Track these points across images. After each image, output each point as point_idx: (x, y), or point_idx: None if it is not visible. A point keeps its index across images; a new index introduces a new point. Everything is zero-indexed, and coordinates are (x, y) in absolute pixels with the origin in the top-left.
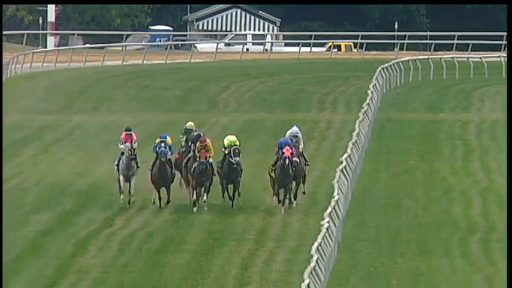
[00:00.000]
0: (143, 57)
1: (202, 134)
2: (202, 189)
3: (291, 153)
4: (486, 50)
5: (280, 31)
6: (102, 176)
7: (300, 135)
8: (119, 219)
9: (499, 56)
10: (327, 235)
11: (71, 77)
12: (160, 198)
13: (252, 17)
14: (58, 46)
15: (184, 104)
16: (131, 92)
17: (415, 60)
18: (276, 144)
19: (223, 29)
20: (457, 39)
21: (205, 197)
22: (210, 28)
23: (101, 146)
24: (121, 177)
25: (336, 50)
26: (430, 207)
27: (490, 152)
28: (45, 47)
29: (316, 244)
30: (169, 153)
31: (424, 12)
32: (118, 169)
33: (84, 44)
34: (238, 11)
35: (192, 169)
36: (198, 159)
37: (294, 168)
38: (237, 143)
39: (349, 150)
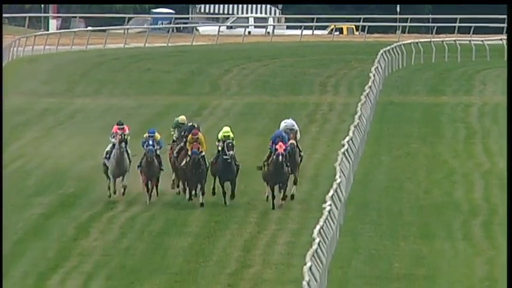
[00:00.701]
0: (145, 40)
1: (195, 126)
2: (197, 189)
3: (284, 149)
4: (488, 32)
5: (282, 14)
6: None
7: (296, 128)
8: (120, 202)
9: (500, 39)
10: (329, 218)
11: (73, 60)
12: (148, 190)
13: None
14: (60, 29)
15: (186, 87)
16: (133, 75)
17: (417, 43)
18: (271, 137)
19: (225, 12)
20: (459, 22)
21: (201, 199)
22: (212, 11)
23: (103, 129)
24: (111, 178)
25: (337, 33)
26: (432, 190)
27: (492, 135)
28: (47, 30)
29: (318, 227)
30: (157, 148)
31: None
32: (107, 162)
33: (86, 27)
34: None
35: (184, 164)
36: (189, 152)
37: (288, 164)
38: (231, 135)
39: (351, 133)
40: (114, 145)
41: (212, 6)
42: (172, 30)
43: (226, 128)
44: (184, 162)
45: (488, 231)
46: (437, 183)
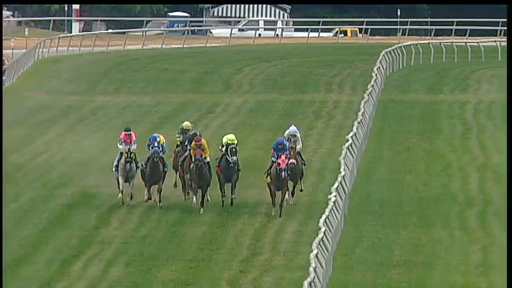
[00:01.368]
0: (162, 41)
1: (198, 133)
2: (201, 193)
3: (286, 164)
4: (483, 35)
5: (290, 17)
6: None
7: (299, 135)
8: (139, 194)
9: (495, 41)
10: (334, 208)
11: (95, 61)
12: (150, 198)
13: (264, 4)
14: (82, 31)
15: (201, 86)
16: (151, 74)
17: (416, 44)
18: (273, 145)
19: (237, 15)
20: (456, 25)
21: (205, 201)
22: (224, 14)
23: (123, 125)
24: (120, 179)
25: (342, 35)
26: (431, 182)
27: (487, 130)
28: (71, 32)
29: (324, 217)
30: (161, 152)
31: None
32: (117, 170)
33: (107, 30)
34: None
35: (188, 172)
36: (193, 158)
37: (289, 174)
38: (235, 141)
39: (354, 129)
40: (121, 154)
41: (225, 10)
42: (188, 33)
43: (232, 136)
44: (188, 170)
45: (482, 220)
46: (435, 175)
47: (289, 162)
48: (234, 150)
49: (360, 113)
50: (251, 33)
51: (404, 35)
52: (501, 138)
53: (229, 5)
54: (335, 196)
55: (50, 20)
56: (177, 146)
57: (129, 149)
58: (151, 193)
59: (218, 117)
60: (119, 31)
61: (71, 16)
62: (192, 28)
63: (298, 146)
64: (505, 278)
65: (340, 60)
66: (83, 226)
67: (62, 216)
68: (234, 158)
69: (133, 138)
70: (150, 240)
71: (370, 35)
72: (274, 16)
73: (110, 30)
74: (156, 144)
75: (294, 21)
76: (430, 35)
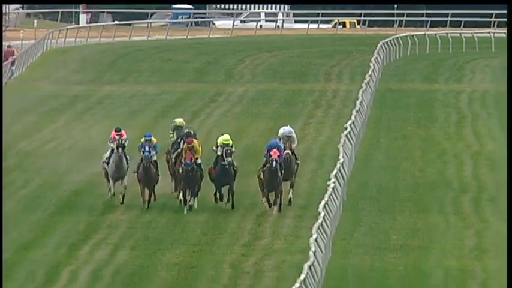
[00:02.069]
0: (166, 33)
1: (192, 132)
2: (190, 192)
3: (278, 156)
4: (477, 26)
5: (290, 9)
6: (130, 141)
7: (294, 135)
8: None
9: (488, 32)
10: (332, 194)
11: (101, 51)
12: (144, 199)
13: None
14: (89, 23)
15: (204, 76)
16: (156, 65)
17: (412, 35)
18: (266, 146)
19: (239, 7)
20: (451, 17)
21: (192, 202)
22: (227, 7)
23: (129, 114)
24: (110, 181)
25: (341, 26)
26: (426, 169)
27: (481, 119)
28: (78, 24)
29: (323, 202)
30: (154, 155)
31: None
32: (107, 166)
33: (113, 21)
34: None
35: (180, 170)
36: (183, 160)
37: (282, 171)
38: (230, 142)
39: (353, 117)
40: (112, 150)
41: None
42: (191, 24)
43: (226, 136)
44: (180, 169)
45: (477, 206)
46: (431, 162)
47: (284, 152)
48: (229, 151)
49: (358, 102)
50: (253, 24)
51: (401, 26)
52: (495, 126)
53: None
54: (334, 182)
55: (58, 12)
56: (172, 144)
57: (120, 139)
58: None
59: (220, 106)
60: (124, 23)
61: (78, 8)
62: (195, 20)
63: (293, 145)
64: (499, 262)
65: (339, 50)
66: (90, 212)
67: (70, 202)
68: (229, 159)
69: (124, 136)
70: (155, 225)
71: (368, 26)
72: (275, 8)
73: (116, 22)
74: (147, 148)
75: (294, 13)
76: (426, 26)
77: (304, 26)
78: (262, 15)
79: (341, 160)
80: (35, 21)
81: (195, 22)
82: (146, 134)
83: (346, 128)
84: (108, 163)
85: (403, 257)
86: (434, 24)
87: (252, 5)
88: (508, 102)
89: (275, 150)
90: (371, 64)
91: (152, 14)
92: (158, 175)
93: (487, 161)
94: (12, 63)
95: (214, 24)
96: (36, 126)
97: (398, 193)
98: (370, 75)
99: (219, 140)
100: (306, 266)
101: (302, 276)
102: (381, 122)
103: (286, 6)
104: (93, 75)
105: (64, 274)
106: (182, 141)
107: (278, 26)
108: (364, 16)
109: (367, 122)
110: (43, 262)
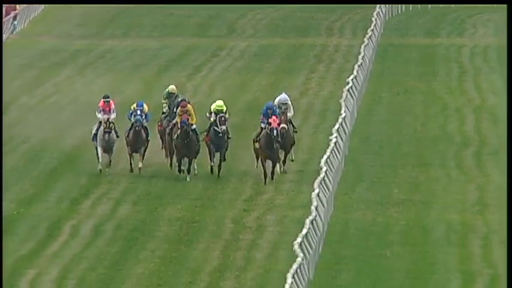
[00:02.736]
0: None
1: (185, 99)
2: (187, 161)
3: (278, 123)
4: None
5: None
6: (132, 95)
7: (289, 102)
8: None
9: None
10: (334, 149)
11: (103, 6)
12: (131, 164)
13: None
14: None
15: (205, 30)
16: (157, 19)
17: None
18: (261, 110)
19: None
20: None
21: (195, 170)
22: None
23: (130, 68)
24: (99, 149)
25: None
26: (428, 123)
27: (482, 73)
28: None
29: (325, 157)
30: (144, 121)
31: None
32: (95, 139)
33: None
34: None
35: (175, 137)
36: (178, 124)
37: (280, 139)
38: (224, 108)
39: (355, 72)
40: (100, 123)
41: None
42: None
43: (220, 102)
44: (176, 135)
45: (478, 160)
46: (433, 117)
47: (280, 127)
48: (223, 119)
49: (360, 57)
50: None
51: None
52: (496, 80)
53: None
54: (336, 137)
55: None
56: (163, 112)
57: (108, 119)
58: (132, 162)
59: (222, 60)
60: None
61: None
62: None
63: (289, 114)
64: (500, 216)
65: (340, 5)
66: (92, 166)
67: (71, 157)
68: (223, 127)
69: (112, 106)
70: (156, 181)
71: None
72: None
73: None
74: (139, 112)
75: None
76: None
77: None
78: None
79: (343, 115)
80: None
81: None
82: (138, 103)
83: (348, 83)
84: (96, 135)
85: (405, 211)
86: None
87: None
88: (508, 58)
89: (274, 118)
90: (373, 19)
91: None
92: (148, 140)
93: (489, 115)
94: (14, 17)
95: None
96: (37, 80)
97: (401, 147)
98: (372, 30)
99: (213, 107)
100: (308, 221)
101: (304, 231)
102: (382, 76)
103: None
104: (94, 29)
105: (66, 228)
106: (176, 109)
107: None
108: None
109: (369, 76)
110: (45, 216)
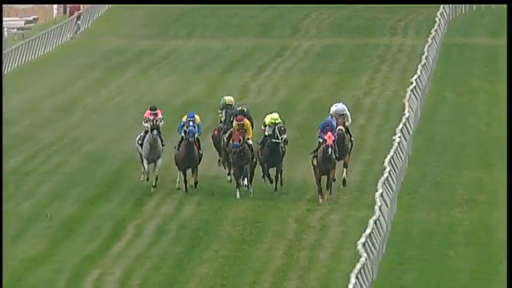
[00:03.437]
0: None
1: (245, 110)
2: (243, 172)
3: (333, 141)
4: None
5: None
6: (195, 95)
7: (347, 112)
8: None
9: None
10: (398, 149)
11: (167, 6)
12: (186, 181)
13: None
14: None
15: (269, 30)
16: (221, 20)
17: None
18: (319, 126)
19: None
20: None
21: (246, 182)
22: None
23: (194, 68)
24: (145, 162)
25: None
26: (492, 123)
27: None
28: None
29: (388, 157)
30: (197, 133)
31: None
32: (141, 148)
33: None
34: None
35: (230, 150)
36: (232, 140)
37: (336, 152)
38: (279, 121)
39: (418, 72)
40: (146, 131)
41: None
42: None
43: (275, 115)
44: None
45: None
46: (497, 117)
47: (336, 129)
48: (282, 128)
49: (423, 57)
50: None
51: None
52: None
53: None
54: (399, 137)
55: None
56: (220, 122)
57: (155, 120)
58: (186, 180)
59: (286, 60)
60: None
61: None
62: None
63: (347, 123)
64: None
65: (404, 5)
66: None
67: (135, 158)
68: (284, 136)
69: (160, 116)
70: (220, 181)
71: None
72: None
73: None
74: (191, 124)
75: None
76: None
77: None
78: None
79: (407, 115)
80: None
81: None
82: (189, 114)
83: (411, 83)
84: (142, 144)
85: (468, 212)
86: None
87: None
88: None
89: (329, 134)
90: (437, 19)
91: None
92: (201, 154)
93: None
94: (78, 17)
95: None
96: (102, 81)
97: (464, 148)
98: (436, 30)
99: (267, 120)
100: (371, 221)
101: (368, 231)
102: (446, 76)
103: None
104: (158, 30)
105: (130, 228)
106: (234, 119)
107: None
108: None
109: (433, 76)
110: (109, 216)
